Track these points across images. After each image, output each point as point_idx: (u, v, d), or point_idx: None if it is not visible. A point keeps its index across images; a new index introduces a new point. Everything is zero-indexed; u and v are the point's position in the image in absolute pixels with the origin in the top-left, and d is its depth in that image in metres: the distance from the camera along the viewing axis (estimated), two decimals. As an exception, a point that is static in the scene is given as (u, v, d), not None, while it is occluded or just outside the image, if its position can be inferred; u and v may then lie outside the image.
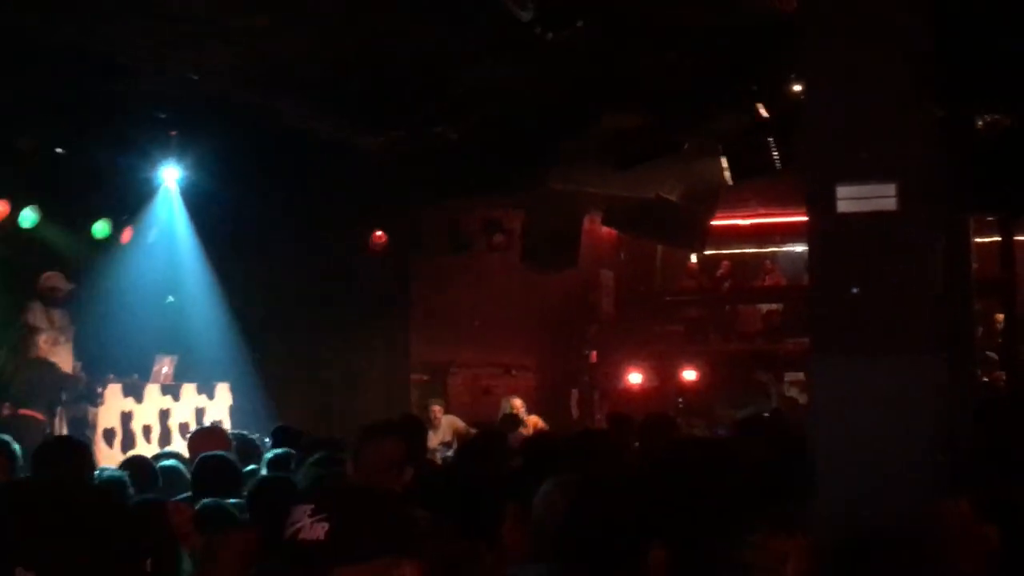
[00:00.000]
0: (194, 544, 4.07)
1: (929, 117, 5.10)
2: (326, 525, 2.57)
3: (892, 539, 4.09)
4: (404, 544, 2.68)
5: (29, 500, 2.25)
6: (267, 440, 9.54)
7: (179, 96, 11.25)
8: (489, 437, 7.17)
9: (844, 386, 4.98)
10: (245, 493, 5.59)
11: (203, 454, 6.20)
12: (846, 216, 4.86)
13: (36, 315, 11.84)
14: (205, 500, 5.17)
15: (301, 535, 2.56)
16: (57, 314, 12.04)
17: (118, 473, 6.40)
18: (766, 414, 13.03)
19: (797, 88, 9.98)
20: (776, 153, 11.53)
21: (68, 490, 2.34)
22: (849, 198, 4.83)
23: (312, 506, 2.62)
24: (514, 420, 13.85)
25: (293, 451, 6.92)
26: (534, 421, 14.20)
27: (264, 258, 14.46)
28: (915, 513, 4.59)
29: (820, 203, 4.93)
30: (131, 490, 5.81)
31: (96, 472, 6.25)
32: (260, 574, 2.44)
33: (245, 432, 9.92)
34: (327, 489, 2.97)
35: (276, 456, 6.85)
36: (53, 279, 12.05)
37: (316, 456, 5.94)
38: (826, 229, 4.96)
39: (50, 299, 11.98)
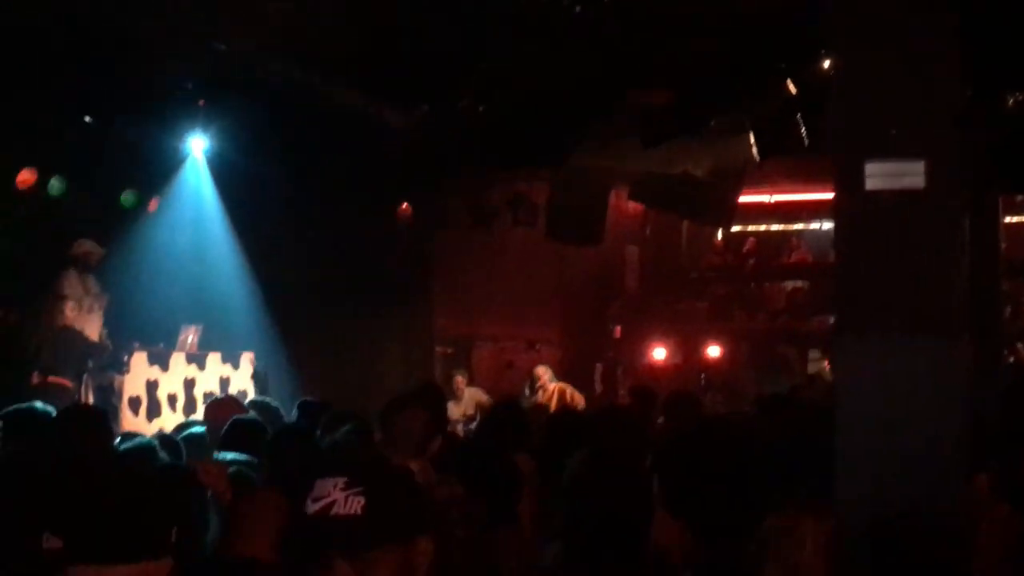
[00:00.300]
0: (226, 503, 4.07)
1: (959, 95, 5.06)
2: (362, 500, 2.51)
3: (915, 520, 4.08)
4: (427, 521, 2.68)
5: (55, 468, 2.27)
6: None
7: (207, 67, 11.26)
8: (505, 410, 7.16)
9: (868, 366, 4.95)
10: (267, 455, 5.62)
11: (236, 417, 6.22)
12: (874, 193, 4.83)
13: (69, 283, 11.95)
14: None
15: (335, 510, 2.48)
16: (91, 281, 12.16)
17: (148, 440, 6.44)
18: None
19: (826, 65, 9.92)
20: (804, 130, 11.47)
21: (94, 459, 2.37)
22: (877, 175, 4.80)
23: (345, 479, 2.54)
24: (537, 388, 13.87)
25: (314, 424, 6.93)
26: (560, 388, 14.13)
27: (289, 229, 14.49)
28: (939, 494, 4.58)
29: (848, 180, 4.90)
30: (162, 455, 5.84)
31: (127, 440, 6.28)
32: (289, 547, 2.39)
33: (268, 400, 9.96)
34: (357, 462, 2.77)
35: (298, 427, 6.85)
36: (86, 245, 12.17)
37: (345, 427, 5.94)
38: (853, 206, 4.93)
39: (84, 265, 12.11)
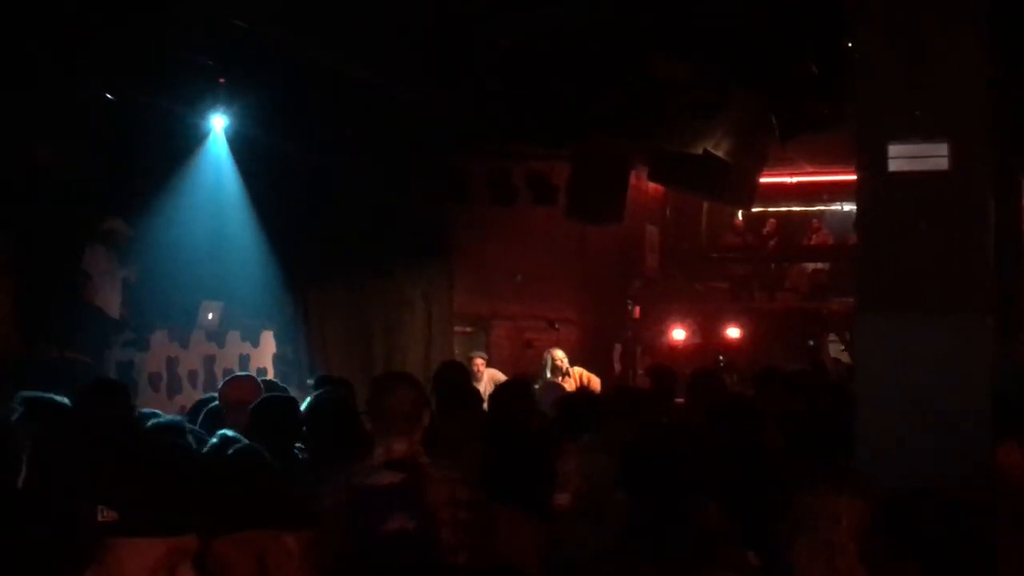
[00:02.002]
0: None
1: (983, 75, 5.03)
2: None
3: (938, 497, 4.07)
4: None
5: (103, 443, 2.29)
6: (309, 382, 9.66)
7: (227, 44, 11.25)
8: (511, 391, 7.17)
9: (890, 345, 4.95)
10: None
11: (266, 395, 6.24)
12: (897, 175, 4.81)
13: (94, 260, 12.01)
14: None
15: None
16: (114, 258, 12.23)
17: (177, 418, 6.47)
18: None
19: (848, 44, 9.86)
20: (826, 110, 11.42)
21: (138, 432, 2.40)
22: (900, 157, 4.78)
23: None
24: (561, 373, 13.87)
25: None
26: (579, 373, 14.17)
27: (309, 207, 14.48)
28: (962, 472, 4.57)
29: (871, 161, 4.89)
30: (190, 437, 5.87)
31: (147, 417, 6.30)
32: None
33: (276, 380, 10.00)
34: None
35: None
36: (114, 223, 12.24)
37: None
38: (876, 188, 4.91)
39: (110, 243, 12.17)
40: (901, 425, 4.90)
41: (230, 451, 4.56)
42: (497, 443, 5.49)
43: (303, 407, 6.36)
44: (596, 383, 13.83)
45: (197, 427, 6.51)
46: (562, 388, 10.20)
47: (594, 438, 5.14)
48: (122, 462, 2.24)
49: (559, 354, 14.11)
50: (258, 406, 5.96)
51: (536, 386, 13.74)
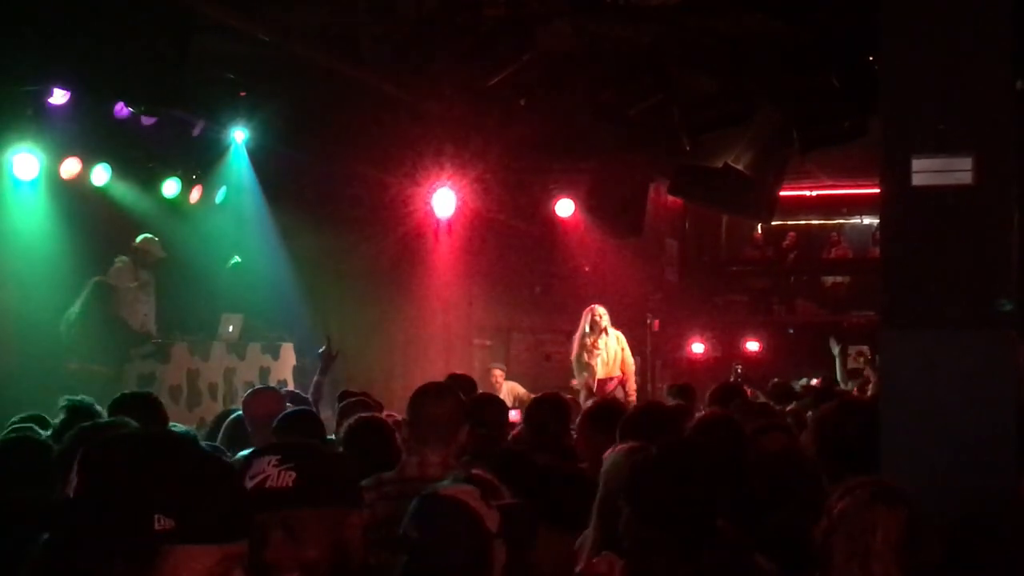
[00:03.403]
0: None
1: (1009, 89, 5.02)
2: (293, 474, 2.91)
3: (965, 517, 4.06)
4: (354, 498, 3.10)
5: (155, 450, 2.31)
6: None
7: (249, 57, 11.30)
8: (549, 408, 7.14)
9: (914, 360, 4.93)
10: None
11: (289, 410, 6.24)
12: (921, 189, 4.80)
13: (121, 273, 12.08)
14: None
15: (268, 483, 2.89)
16: (144, 273, 12.33)
17: (186, 429, 6.50)
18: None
19: (869, 58, 9.86)
20: (846, 124, 11.41)
21: (186, 442, 2.43)
22: (924, 171, 4.77)
23: (278, 457, 2.95)
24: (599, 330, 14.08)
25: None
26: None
27: (329, 219, 14.52)
28: (989, 490, 4.55)
29: (894, 175, 4.88)
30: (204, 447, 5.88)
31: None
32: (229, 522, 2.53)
33: (299, 391, 10.01)
34: (290, 444, 3.25)
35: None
36: (150, 244, 12.38)
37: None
38: (900, 202, 4.90)
39: (140, 260, 12.28)
40: (925, 440, 4.88)
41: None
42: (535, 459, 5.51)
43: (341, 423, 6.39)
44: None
45: (219, 440, 6.53)
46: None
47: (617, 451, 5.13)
48: (177, 470, 2.27)
49: (600, 311, 14.15)
50: (281, 421, 5.96)
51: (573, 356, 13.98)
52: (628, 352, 14.33)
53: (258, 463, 2.96)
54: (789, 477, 5.17)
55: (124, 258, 12.31)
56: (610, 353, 14.12)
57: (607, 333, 14.07)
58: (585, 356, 14.10)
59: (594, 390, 13.84)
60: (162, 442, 2.39)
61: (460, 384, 7.82)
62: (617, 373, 14.12)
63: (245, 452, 5.45)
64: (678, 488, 3.78)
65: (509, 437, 6.88)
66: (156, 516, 2.19)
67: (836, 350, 14.33)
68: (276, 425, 5.90)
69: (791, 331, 19.10)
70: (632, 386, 14.26)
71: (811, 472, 5.12)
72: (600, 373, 13.98)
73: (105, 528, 2.19)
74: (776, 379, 12.66)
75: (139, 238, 12.50)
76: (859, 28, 9.49)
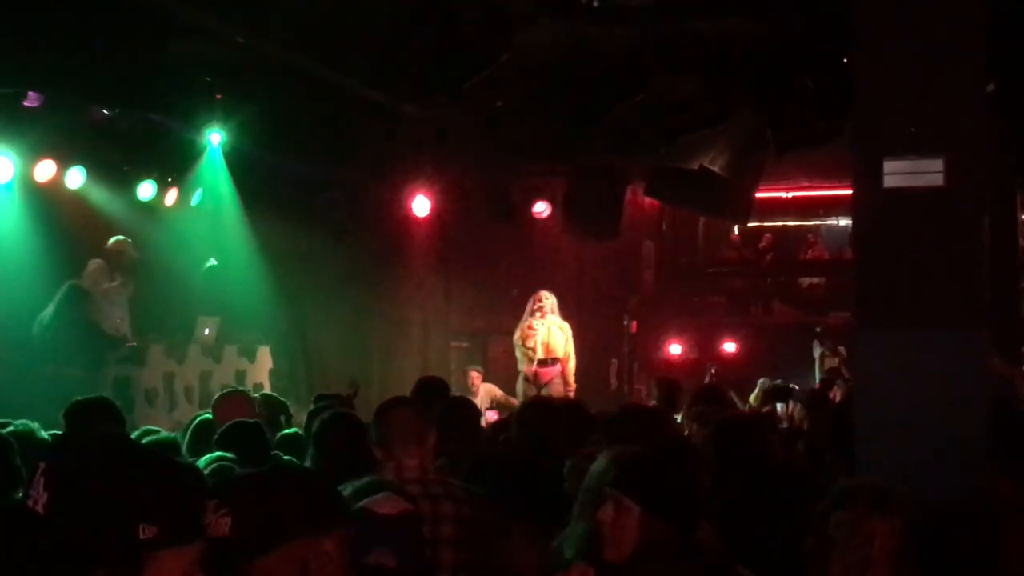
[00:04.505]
0: None
1: (980, 91, 5.05)
2: (228, 520, 2.62)
3: (938, 515, 4.08)
4: (318, 521, 2.73)
5: (126, 460, 2.31)
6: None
7: (225, 59, 11.27)
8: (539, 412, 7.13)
9: (888, 360, 4.96)
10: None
11: (230, 423, 6.14)
12: (893, 191, 4.83)
13: (94, 276, 12.02)
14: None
15: (208, 531, 2.54)
16: (118, 275, 12.27)
17: (172, 436, 6.47)
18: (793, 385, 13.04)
19: (844, 60, 9.89)
20: (822, 125, 11.44)
21: (147, 448, 2.44)
22: (896, 172, 4.79)
23: (216, 500, 2.65)
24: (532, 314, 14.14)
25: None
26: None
27: (306, 222, 14.50)
28: (962, 489, 4.57)
29: (867, 177, 4.91)
30: (184, 452, 5.87)
31: (148, 435, 6.31)
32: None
33: (275, 394, 9.99)
34: (231, 480, 3.00)
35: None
36: (123, 245, 12.30)
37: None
38: (872, 203, 4.93)
39: (114, 262, 12.21)
40: (898, 438, 4.91)
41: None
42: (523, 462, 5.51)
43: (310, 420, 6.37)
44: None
45: (185, 443, 6.50)
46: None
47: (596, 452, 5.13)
48: (152, 478, 2.28)
49: (544, 295, 14.32)
50: (222, 436, 5.88)
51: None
52: (571, 344, 14.36)
53: (207, 506, 2.63)
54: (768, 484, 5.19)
55: (98, 260, 12.25)
56: (552, 336, 14.15)
57: (546, 316, 14.11)
58: (522, 340, 14.11)
59: (530, 377, 13.91)
60: (129, 451, 2.39)
61: (431, 387, 7.82)
62: (559, 355, 14.16)
63: (207, 457, 5.44)
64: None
65: (501, 439, 6.83)
66: (141, 525, 2.20)
67: (817, 352, 14.40)
68: (216, 439, 5.84)
69: (768, 333, 19.15)
70: (570, 376, 14.27)
71: (788, 478, 5.15)
72: (540, 354, 13.94)
73: (87, 542, 2.19)
74: (779, 381, 12.69)
75: (112, 240, 12.43)
76: (833, 30, 9.52)
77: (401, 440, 4.84)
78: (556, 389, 13.78)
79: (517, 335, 14.34)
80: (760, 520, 4.77)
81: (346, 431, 5.72)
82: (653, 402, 9.78)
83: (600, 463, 3.92)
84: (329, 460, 5.57)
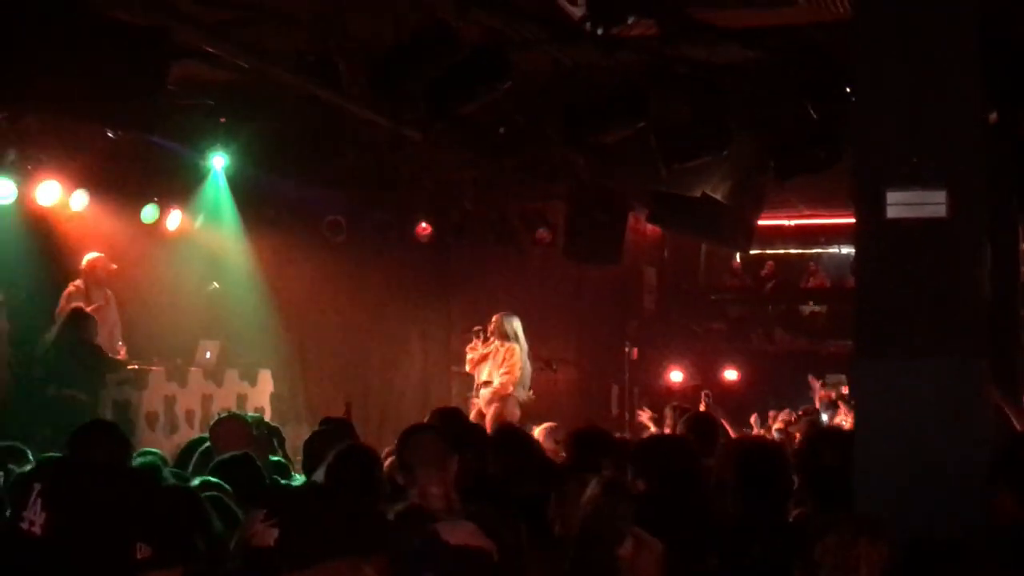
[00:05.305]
0: None
1: (982, 122, 5.07)
2: (275, 531, 2.62)
3: (941, 542, 4.08)
4: (362, 545, 2.73)
5: (124, 483, 2.33)
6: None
7: (228, 83, 11.31)
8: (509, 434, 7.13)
9: (888, 389, 4.96)
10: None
11: (223, 456, 6.09)
12: (895, 221, 4.83)
13: (73, 298, 11.98)
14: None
15: (254, 541, 2.59)
16: (99, 296, 12.20)
17: (152, 459, 6.45)
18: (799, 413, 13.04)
19: (847, 89, 9.91)
20: (823, 154, 11.46)
21: (145, 471, 2.47)
22: (898, 204, 4.80)
23: (264, 511, 2.67)
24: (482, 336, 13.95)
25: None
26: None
27: (308, 247, 14.52)
28: (961, 517, 4.56)
29: (869, 207, 4.91)
30: (167, 472, 5.84)
31: (142, 456, 6.31)
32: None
33: (268, 420, 9.98)
34: (281, 493, 2.95)
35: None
36: (97, 260, 12.22)
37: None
38: (874, 234, 4.93)
39: (92, 280, 12.15)
40: (898, 467, 4.91)
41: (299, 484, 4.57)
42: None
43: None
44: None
45: (191, 467, 6.48)
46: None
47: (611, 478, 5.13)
48: (149, 500, 2.30)
49: (495, 318, 13.96)
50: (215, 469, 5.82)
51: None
52: (519, 366, 13.89)
53: (252, 516, 2.72)
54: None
55: (77, 282, 12.15)
56: (495, 362, 13.86)
57: (488, 339, 13.92)
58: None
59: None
60: (125, 474, 2.42)
61: (447, 417, 7.79)
62: (502, 386, 13.73)
63: (198, 480, 5.43)
64: None
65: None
66: (138, 545, 2.22)
67: (816, 386, 14.41)
68: (213, 468, 5.80)
69: (768, 361, 19.13)
70: (519, 402, 13.82)
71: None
72: (486, 378, 13.85)
73: (86, 561, 2.21)
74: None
75: (85, 259, 12.28)
76: (835, 59, 9.56)
77: (424, 467, 4.84)
78: (493, 412, 13.54)
79: None
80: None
81: (360, 462, 5.69)
82: (666, 429, 9.74)
83: (606, 495, 3.91)
84: (344, 490, 5.54)
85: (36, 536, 2.25)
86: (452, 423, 7.38)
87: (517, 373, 13.81)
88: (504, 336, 13.90)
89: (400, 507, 4.50)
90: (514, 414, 13.61)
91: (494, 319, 14.04)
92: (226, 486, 5.24)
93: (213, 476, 5.53)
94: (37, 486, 2.31)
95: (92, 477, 2.42)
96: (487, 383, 13.83)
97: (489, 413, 13.42)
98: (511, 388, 13.73)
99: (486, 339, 13.99)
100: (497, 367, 13.79)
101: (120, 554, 2.23)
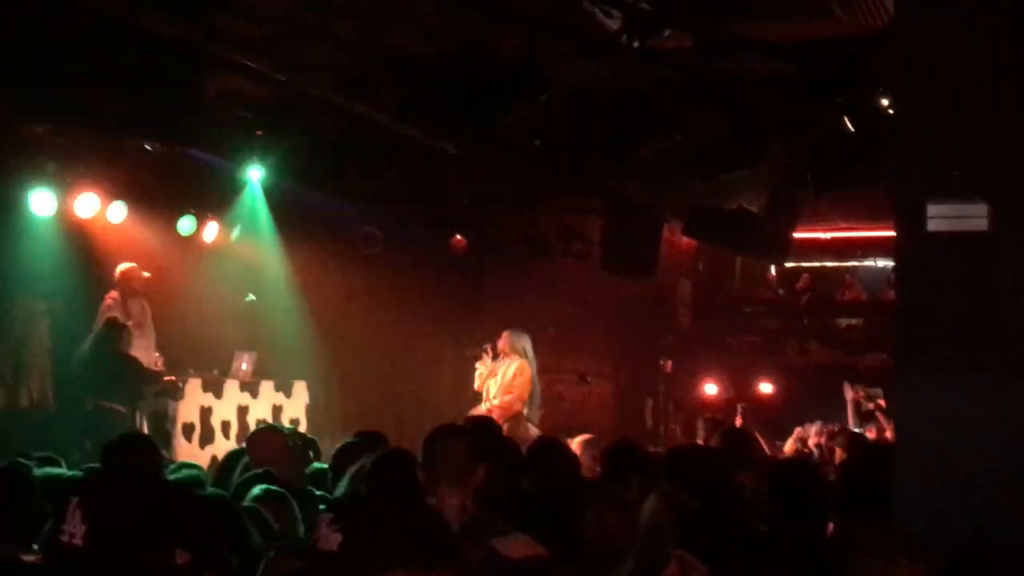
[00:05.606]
0: None
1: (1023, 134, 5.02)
2: (339, 536, 2.67)
3: (981, 557, 4.03)
4: (427, 557, 2.74)
5: (162, 493, 2.36)
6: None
7: (265, 96, 11.36)
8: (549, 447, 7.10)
9: (929, 404, 4.92)
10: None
11: (247, 475, 6.09)
12: (935, 234, 4.80)
13: (110, 307, 12.05)
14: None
15: (319, 544, 2.66)
16: (136, 307, 12.26)
17: (195, 472, 6.48)
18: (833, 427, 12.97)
19: (884, 102, 9.87)
20: (860, 167, 11.41)
21: (183, 483, 2.51)
22: (939, 216, 4.77)
23: (331, 516, 2.74)
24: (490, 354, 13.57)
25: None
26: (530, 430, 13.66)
27: (343, 259, 14.57)
28: (1002, 534, 4.52)
29: (909, 221, 4.88)
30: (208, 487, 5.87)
31: (183, 468, 6.34)
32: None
33: (304, 432, 10.00)
34: (347, 499, 2.99)
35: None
36: (131, 271, 12.29)
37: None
38: (914, 247, 4.90)
39: (127, 290, 12.21)
40: (938, 482, 4.87)
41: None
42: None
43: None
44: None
45: (235, 479, 6.50)
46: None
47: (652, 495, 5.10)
48: (187, 509, 2.33)
49: (505, 334, 13.62)
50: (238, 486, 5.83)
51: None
52: (528, 384, 13.47)
53: (320, 520, 2.78)
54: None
55: (113, 293, 12.20)
56: (502, 379, 13.43)
57: (493, 357, 13.56)
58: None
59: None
60: (161, 484, 2.45)
61: (481, 427, 7.77)
62: (510, 403, 13.28)
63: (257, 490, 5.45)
64: None
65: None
66: (177, 551, 2.25)
67: (849, 395, 14.29)
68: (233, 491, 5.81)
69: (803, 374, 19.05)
70: (529, 422, 13.35)
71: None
72: (494, 395, 13.38)
73: (128, 569, 2.23)
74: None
75: (118, 269, 12.31)
76: (871, 70, 9.52)
77: (445, 475, 4.79)
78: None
79: None
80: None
81: (397, 468, 5.68)
82: (698, 441, 9.71)
83: (656, 513, 3.88)
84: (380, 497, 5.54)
85: (77, 548, 2.28)
86: (485, 433, 7.39)
87: (526, 392, 13.41)
88: (513, 353, 13.56)
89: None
90: (526, 434, 12.75)
91: (503, 335, 13.68)
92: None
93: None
94: (75, 499, 2.33)
95: (129, 489, 2.44)
96: (493, 400, 13.41)
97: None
98: (519, 407, 13.29)
99: (495, 356, 13.68)
100: (502, 384, 13.38)
101: (160, 561, 2.26)
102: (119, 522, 2.31)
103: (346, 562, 2.63)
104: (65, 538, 2.31)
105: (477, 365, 13.69)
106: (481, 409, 13.22)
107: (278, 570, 3.73)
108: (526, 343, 13.67)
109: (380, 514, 2.79)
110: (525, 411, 13.36)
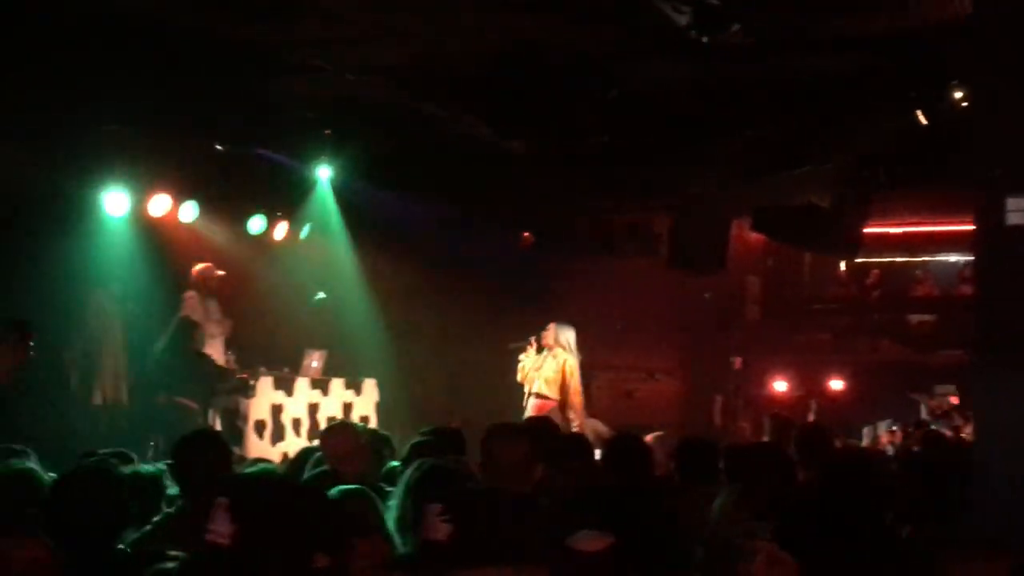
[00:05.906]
0: None
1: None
2: (448, 527, 2.74)
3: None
4: (535, 552, 2.86)
5: (301, 495, 2.42)
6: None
7: (334, 96, 11.44)
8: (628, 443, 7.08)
9: (1007, 398, 4.87)
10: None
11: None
12: (1015, 228, 4.75)
13: (191, 306, 12.19)
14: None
15: (427, 534, 2.75)
16: (212, 305, 12.40)
17: (270, 468, 6.53)
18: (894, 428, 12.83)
19: (958, 95, 9.77)
20: (931, 161, 11.30)
21: (309, 486, 2.60)
22: (1019, 210, 4.72)
23: (440, 506, 2.80)
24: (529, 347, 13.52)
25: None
26: (592, 426, 13.48)
27: (413, 257, 14.63)
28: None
29: (988, 215, 4.84)
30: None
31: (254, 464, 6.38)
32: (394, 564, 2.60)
33: (378, 429, 10.03)
34: (458, 490, 3.11)
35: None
36: (207, 270, 12.43)
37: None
38: (993, 240, 4.86)
39: (203, 288, 12.34)
40: (1018, 479, 4.82)
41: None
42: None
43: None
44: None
45: (305, 477, 6.55)
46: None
47: (731, 491, 5.07)
48: (323, 512, 2.40)
49: (549, 327, 13.55)
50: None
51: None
52: (572, 378, 13.43)
53: (428, 509, 2.84)
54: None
55: (191, 292, 12.34)
56: (546, 372, 13.42)
57: (538, 350, 13.49)
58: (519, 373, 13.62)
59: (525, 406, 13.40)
60: (299, 488, 2.53)
61: (538, 427, 7.77)
62: (554, 396, 13.29)
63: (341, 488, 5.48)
64: None
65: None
66: (317, 555, 2.31)
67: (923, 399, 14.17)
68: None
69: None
70: (572, 414, 13.28)
71: None
72: (537, 388, 13.41)
73: (274, 570, 2.29)
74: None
75: (195, 268, 12.46)
76: (945, 64, 9.41)
77: (500, 473, 4.81)
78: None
79: None
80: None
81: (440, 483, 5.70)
82: (764, 438, 9.64)
83: (736, 508, 3.86)
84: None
85: (224, 547, 2.34)
86: (547, 432, 7.37)
87: (580, 385, 13.44)
88: (557, 345, 13.51)
89: None
90: (601, 429, 12.96)
91: (550, 327, 13.62)
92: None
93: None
94: (222, 499, 2.39)
95: (273, 490, 2.52)
96: (537, 394, 13.44)
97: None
98: (578, 399, 13.37)
99: (540, 349, 13.65)
100: (550, 378, 13.37)
101: (301, 563, 2.33)
102: (268, 524, 2.37)
103: (455, 553, 2.67)
104: (211, 537, 2.38)
105: (521, 357, 13.65)
106: (529, 405, 13.35)
107: None
108: (570, 336, 13.63)
109: (491, 509, 2.84)
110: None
